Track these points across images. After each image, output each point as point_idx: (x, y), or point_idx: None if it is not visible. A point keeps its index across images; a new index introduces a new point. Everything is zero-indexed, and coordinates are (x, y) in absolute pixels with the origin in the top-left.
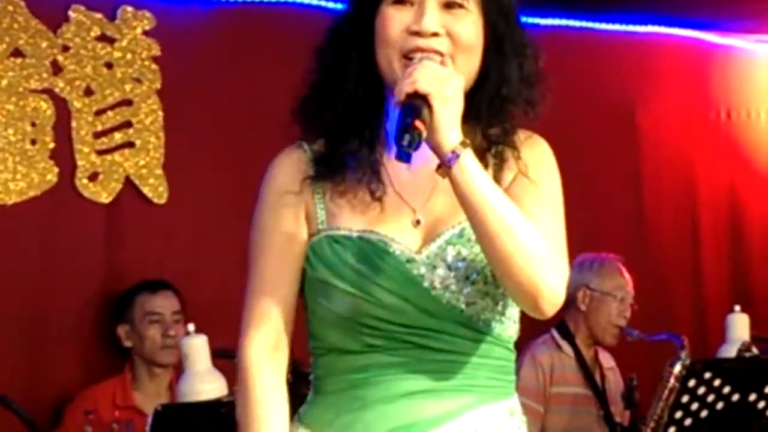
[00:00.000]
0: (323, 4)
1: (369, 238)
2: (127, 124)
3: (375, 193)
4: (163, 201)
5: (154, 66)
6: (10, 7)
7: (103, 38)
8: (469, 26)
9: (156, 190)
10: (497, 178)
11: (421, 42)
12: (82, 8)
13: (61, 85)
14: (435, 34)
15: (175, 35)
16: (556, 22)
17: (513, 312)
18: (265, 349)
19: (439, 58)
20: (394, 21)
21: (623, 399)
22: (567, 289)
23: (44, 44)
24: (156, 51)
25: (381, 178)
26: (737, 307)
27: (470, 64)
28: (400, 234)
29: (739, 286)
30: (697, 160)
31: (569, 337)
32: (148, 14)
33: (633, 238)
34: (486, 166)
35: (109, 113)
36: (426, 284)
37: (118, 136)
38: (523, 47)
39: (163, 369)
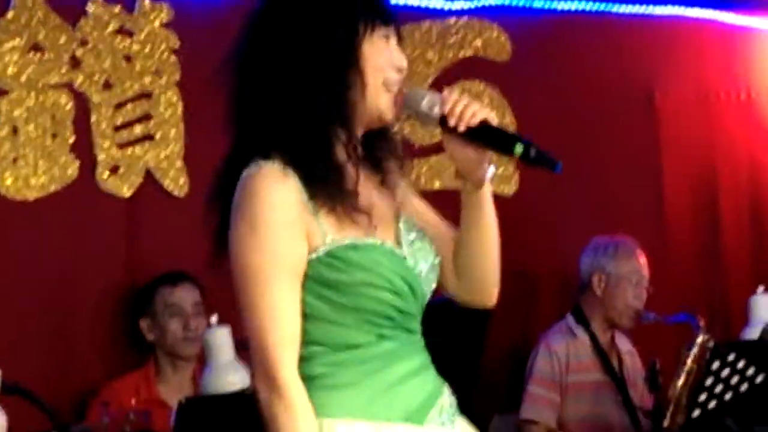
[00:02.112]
0: None
1: (374, 242)
2: (147, 117)
3: (359, 208)
4: (183, 193)
5: (173, 58)
6: (29, 2)
7: (122, 31)
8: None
9: (176, 182)
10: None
11: (400, 77)
12: (100, 1)
13: (81, 79)
14: (403, 69)
15: (194, 27)
16: (573, 6)
17: None
18: (295, 369)
19: None
20: (385, 54)
21: (646, 382)
22: (582, 273)
23: (63, 39)
24: (175, 43)
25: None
26: (761, 288)
27: None
28: (376, 235)
29: (761, 268)
30: (718, 142)
31: (584, 322)
32: (166, 6)
33: (653, 221)
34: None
35: (129, 106)
36: (416, 272)
37: (138, 129)
38: None
39: (185, 361)
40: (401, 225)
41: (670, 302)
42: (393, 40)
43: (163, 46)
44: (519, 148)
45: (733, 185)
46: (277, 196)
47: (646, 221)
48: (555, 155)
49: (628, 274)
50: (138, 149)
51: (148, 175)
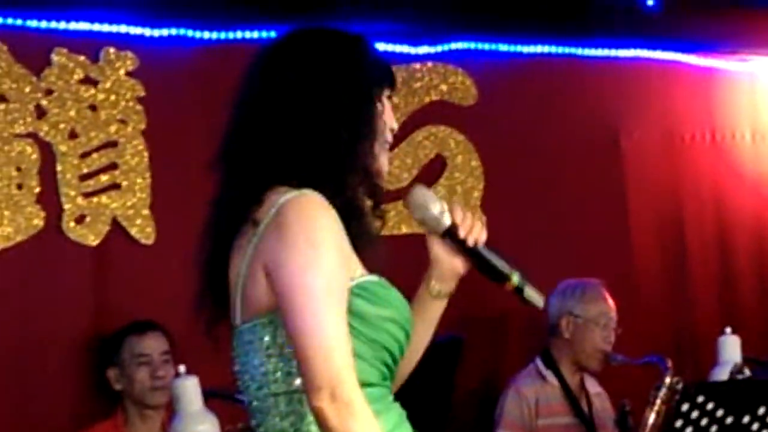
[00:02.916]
0: None
1: (393, 287)
2: (113, 166)
3: (374, 245)
4: (150, 242)
5: (138, 107)
6: None
7: (87, 80)
8: None
9: (143, 230)
10: None
11: (390, 137)
12: (65, 51)
13: (46, 128)
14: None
15: (159, 75)
16: (539, 49)
17: None
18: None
19: None
20: (389, 113)
21: (616, 424)
22: (550, 316)
23: (27, 89)
24: (140, 91)
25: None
26: (728, 329)
27: None
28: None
29: (729, 308)
30: (683, 184)
31: (553, 366)
32: (131, 55)
33: (620, 262)
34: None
35: (95, 155)
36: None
37: (104, 178)
38: None
39: (154, 411)
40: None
41: (639, 343)
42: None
43: (128, 95)
44: (515, 280)
45: (700, 227)
46: (331, 220)
47: (613, 263)
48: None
49: (596, 317)
50: (104, 198)
51: (115, 224)
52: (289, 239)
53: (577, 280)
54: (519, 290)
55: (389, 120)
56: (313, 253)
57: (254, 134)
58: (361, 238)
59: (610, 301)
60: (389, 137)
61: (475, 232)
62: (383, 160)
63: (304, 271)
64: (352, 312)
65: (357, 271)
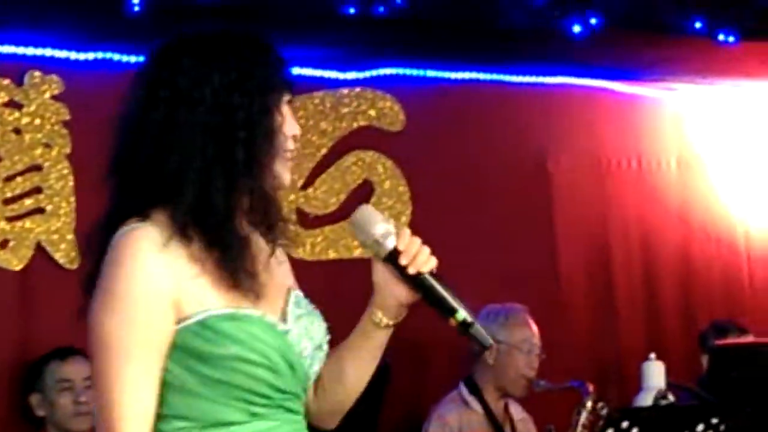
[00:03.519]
0: None
1: (252, 314)
2: (37, 190)
3: (251, 272)
4: (75, 266)
5: (63, 130)
6: None
7: (11, 104)
8: None
9: (68, 255)
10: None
11: (295, 145)
12: None
13: None
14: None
15: (85, 99)
16: (466, 75)
17: None
18: None
19: None
20: (289, 120)
21: None
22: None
23: None
24: (65, 115)
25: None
26: (652, 355)
27: None
28: (263, 308)
29: (653, 334)
30: (610, 209)
31: (477, 392)
32: (56, 78)
33: (546, 287)
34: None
35: (19, 179)
36: (298, 350)
37: (28, 202)
38: None
39: None
40: (291, 299)
41: (564, 369)
42: (291, 107)
43: (53, 119)
44: (460, 316)
45: (626, 253)
46: (142, 265)
47: (539, 289)
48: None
49: (520, 342)
50: (29, 222)
51: (39, 249)
52: (99, 283)
53: (501, 305)
54: (464, 326)
55: (291, 128)
56: (110, 301)
57: (120, 159)
58: (234, 268)
59: (534, 327)
60: (290, 145)
61: (420, 260)
62: (284, 174)
63: (98, 319)
64: (193, 353)
65: (203, 306)
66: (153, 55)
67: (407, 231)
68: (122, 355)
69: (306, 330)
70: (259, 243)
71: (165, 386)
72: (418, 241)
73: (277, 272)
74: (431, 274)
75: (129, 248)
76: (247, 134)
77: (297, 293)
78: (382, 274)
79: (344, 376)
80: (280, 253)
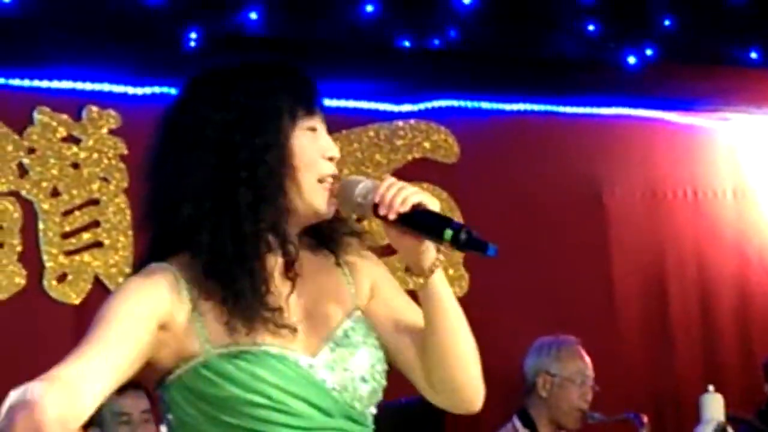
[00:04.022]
0: None
1: (267, 351)
2: (95, 224)
3: (270, 308)
4: None
5: (121, 164)
6: None
7: (69, 138)
8: None
9: None
10: (356, 279)
11: (333, 166)
12: (48, 109)
13: (28, 187)
14: (335, 158)
15: (141, 133)
16: (521, 107)
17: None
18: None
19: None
20: (314, 147)
21: None
22: (526, 375)
23: (10, 147)
24: (122, 149)
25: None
26: (711, 387)
27: None
28: (288, 342)
29: (711, 366)
30: (666, 241)
31: (531, 425)
32: (113, 113)
33: (602, 319)
34: (339, 265)
35: (77, 213)
36: (328, 386)
37: (86, 236)
38: None
39: None
40: (340, 327)
41: (619, 401)
42: (321, 129)
43: (110, 153)
44: (448, 234)
45: (682, 284)
46: (136, 290)
47: (595, 320)
48: (488, 239)
49: (573, 375)
50: (87, 256)
51: (97, 282)
52: None
53: (553, 337)
54: (456, 240)
55: (320, 150)
56: (108, 299)
57: (145, 209)
58: (246, 307)
59: (587, 359)
60: (324, 169)
61: (396, 202)
62: (319, 200)
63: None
64: (200, 396)
65: (206, 345)
66: (174, 99)
67: (387, 180)
68: (96, 330)
69: (341, 361)
70: (318, 261)
71: (184, 426)
72: (394, 185)
73: (329, 298)
74: (415, 209)
75: (118, 291)
76: (249, 174)
77: (354, 318)
78: (387, 234)
79: (438, 360)
80: (354, 261)
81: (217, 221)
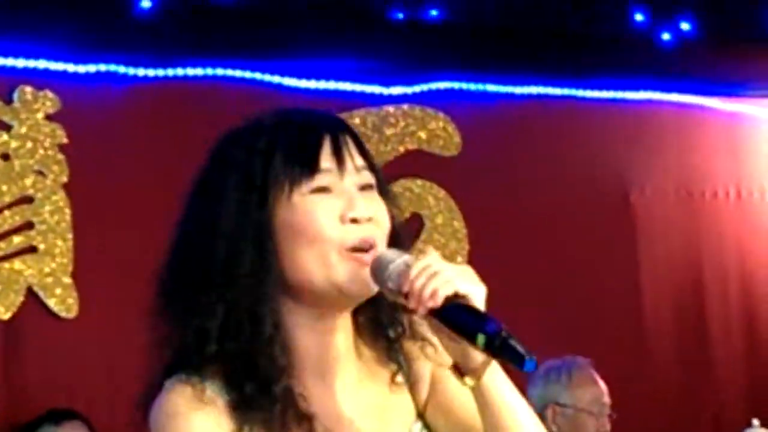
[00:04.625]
0: (249, 75)
1: None
2: (29, 226)
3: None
4: (72, 315)
5: (59, 155)
6: None
7: None
8: (384, 209)
9: (64, 302)
10: (414, 378)
11: (359, 231)
12: None
13: None
14: (370, 219)
15: (84, 119)
16: (533, 90)
17: None
18: None
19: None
20: (323, 211)
21: None
22: (533, 406)
23: None
24: (61, 138)
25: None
26: (756, 421)
27: None
28: None
29: (756, 391)
30: (703, 246)
31: None
32: (50, 95)
33: (629, 335)
34: (398, 365)
35: (6, 213)
36: None
37: (17, 240)
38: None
39: None
40: None
41: (648, 426)
42: (339, 184)
43: (47, 142)
44: (481, 340)
45: (722, 297)
46: (179, 410)
47: (621, 335)
48: (526, 349)
49: (589, 405)
50: (17, 263)
51: (30, 294)
52: None
53: (560, 360)
54: (491, 346)
55: (335, 213)
56: None
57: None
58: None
59: (602, 383)
60: (351, 233)
61: (425, 295)
62: (341, 275)
63: None
64: None
65: None
66: None
67: (420, 262)
68: None
69: None
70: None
71: None
72: (426, 270)
73: (381, 409)
74: (448, 302)
75: (175, 403)
76: (233, 277)
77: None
78: (429, 327)
79: None
80: (416, 366)
81: (222, 315)
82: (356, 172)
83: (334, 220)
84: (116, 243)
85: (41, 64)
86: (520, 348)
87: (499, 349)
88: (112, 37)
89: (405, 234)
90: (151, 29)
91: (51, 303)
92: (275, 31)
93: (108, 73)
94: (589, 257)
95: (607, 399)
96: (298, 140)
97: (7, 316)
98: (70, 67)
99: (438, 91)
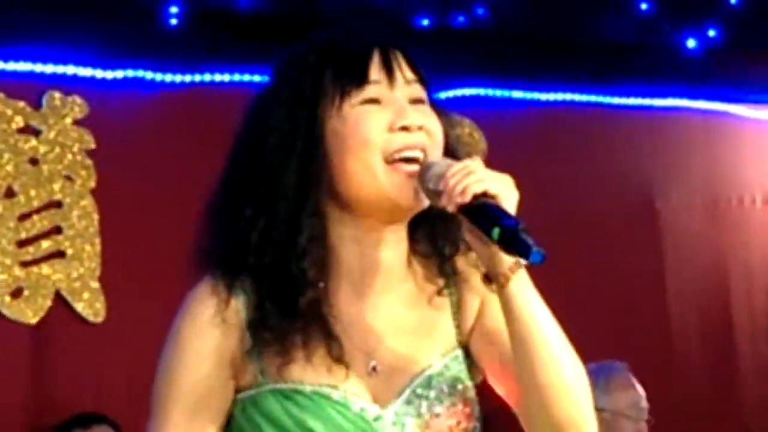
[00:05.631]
0: None
1: (327, 394)
2: (57, 230)
3: (331, 343)
4: (99, 319)
5: (87, 161)
6: None
7: (27, 130)
8: (436, 121)
9: (92, 306)
10: (463, 301)
11: (409, 138)
12: (1, 95)
13: None
14: (421, 128)
15: (112, 124)
16: (559, 96)
17: None
18: None
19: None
20: (373, 120)
21: None
22: None
23: None
24: (89, 143)
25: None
26: None
27: None
28: (358, 385)
29: None
30: (730, 255)
31: None
32: (79, 100)
33: (656, 344)
34: (446, 285)
35: (35, 218)
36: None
37: (45, 245)
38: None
39: None
40: (429, 370)
41: None
42: (389, 95)
43: (75, 147)
44: (496, 233)
45: (750, 305)
46: (190, 323)
47: (647, 344)
48: (535, 242)
49: (626, 409)
50: (46, 268)
51: (58, 299)
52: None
53: (596, 365)
54: (503, 239)
55: (385, 122)
56: (164, 359)
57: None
58: (294, 330)
59: (639, 388)
60: (394, 143)
61: (456, 191)
62: (390, 183)
63: (155, 377)
64: (239, 430)
65: (260, 377)
66: None
67: (461, 163)
68: (161, 415)
69: (417, 416)
70: (403, 285)
71: None
72: (464, 169)
73: (421, 331)
74: (476, 199)
75: (185, 305)
76: (277, 191)
77: (451, 358)
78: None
79: (526, 388)
80: (459, 289)
81: (263, 227)
82: (407, 85)
83: (382, 128)
84: (143, 247)
85: (69, 69)
86: (529, 240)
87: (510, 243)
88: (140, 43)
89: (463, 151)
90: (178, 35)
91: (79, 307)
92: (302, 38)
93: (136, 79)
94: (615, 265)
95: (645, 403)
96: (347, 53)
97: (35, 320)
98: (99, 73)
99: (463, 98)
